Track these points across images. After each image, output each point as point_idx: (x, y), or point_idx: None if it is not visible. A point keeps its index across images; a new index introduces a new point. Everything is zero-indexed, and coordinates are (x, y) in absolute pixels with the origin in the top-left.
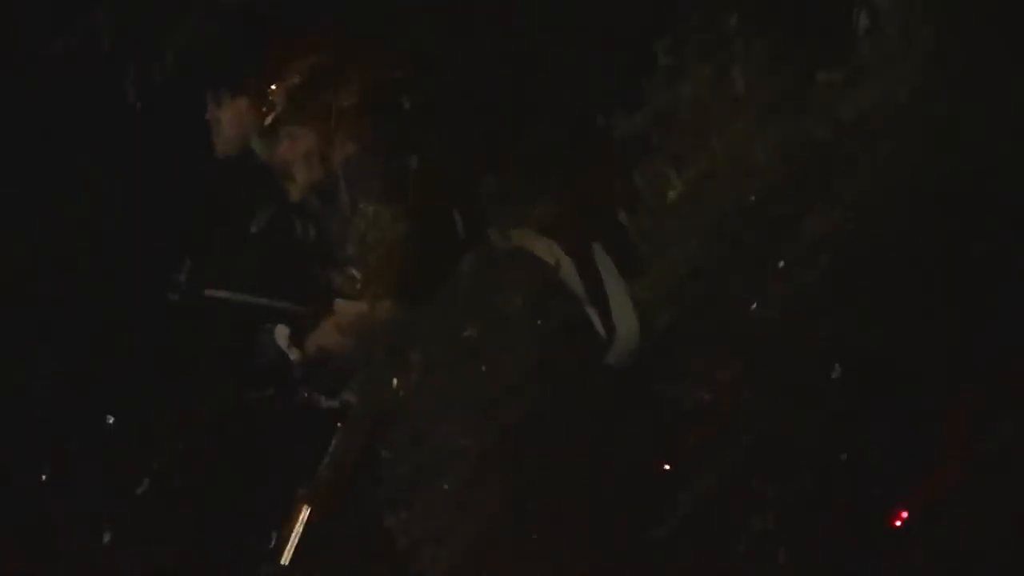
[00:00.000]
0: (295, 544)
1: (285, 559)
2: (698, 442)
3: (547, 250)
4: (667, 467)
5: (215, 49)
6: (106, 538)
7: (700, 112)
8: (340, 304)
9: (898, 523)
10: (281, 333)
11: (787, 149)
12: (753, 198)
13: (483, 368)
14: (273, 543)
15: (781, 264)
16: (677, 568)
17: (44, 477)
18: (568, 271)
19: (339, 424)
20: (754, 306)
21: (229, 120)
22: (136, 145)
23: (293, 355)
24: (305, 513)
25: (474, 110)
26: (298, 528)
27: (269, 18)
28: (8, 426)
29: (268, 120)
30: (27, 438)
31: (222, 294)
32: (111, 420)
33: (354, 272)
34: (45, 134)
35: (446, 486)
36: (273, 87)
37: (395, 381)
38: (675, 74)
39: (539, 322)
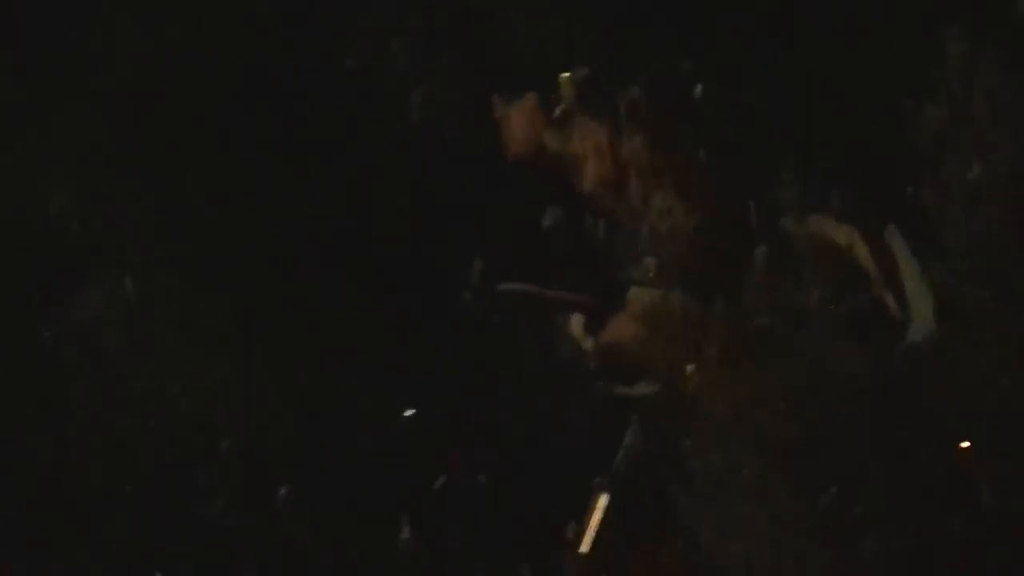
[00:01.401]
0: (594, 533)
1: (585, 547)
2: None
3: (843, 235)
4: (964, 445)
5: (498, 47)
6: (404, 531)
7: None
8: (634, 293)
9: None
10: (576, 324)
11: None
12: None
13: (776, 358)
14: (573, 533)
15: None
16: (977, 559)
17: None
18: (863, 255)
19: (635, 415)
20: None
21: (519, 117)
22: (422, 148)
23: (588, 345)
24: (604, 502)
25: (766, 96)
26: (597, 517)
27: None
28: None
29: (557, 113)
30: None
31: (516, 288)
32: (410, 413)
33: (647, 262)
34: (331, 147)
35: (744, 481)
36: (561, 80)
37: (689, 370)
38: (969, 64)
39: (833, 308)
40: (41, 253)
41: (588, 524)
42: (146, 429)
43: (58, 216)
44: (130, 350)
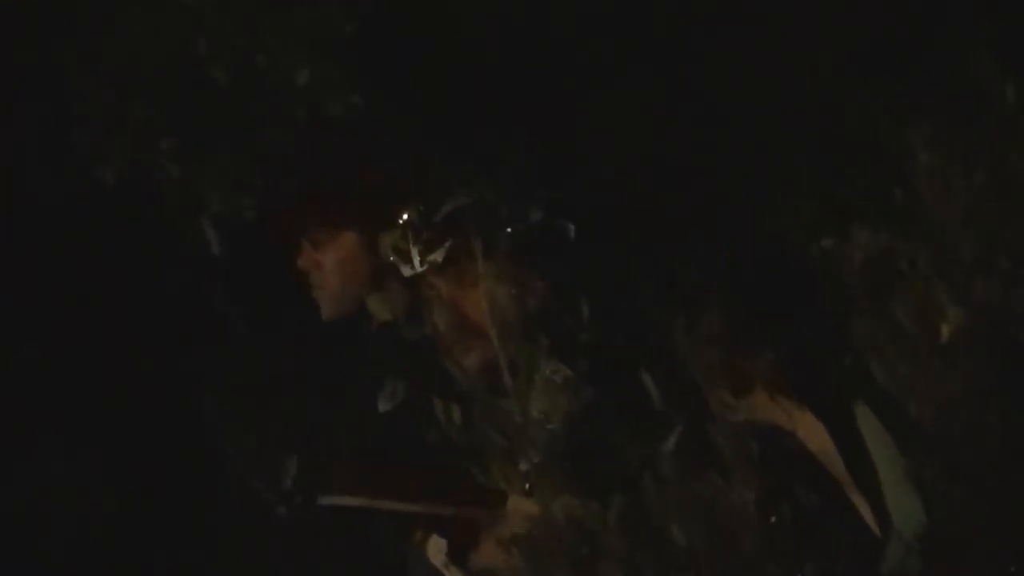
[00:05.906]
0: None
1: None
2: None
3: (787, 417)
4: None
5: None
6: None
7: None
8: (515, 504)
9: None
10: (435, 548)
11: None
12: None
13: None
14: None
15: None
16: None
17: None
18: (821, 444)
19: None
20: None
21: (336, 266)
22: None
23: None
24: None
25: (661, 231)
26: None
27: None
28: None
29: (394, 259)
30: None
31: (344, 501)
32: None
33: (521, 461)
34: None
35: None
36: (390, 218)
37: None
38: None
39: (773, 520)
40: None
41: None
42: None
43: None
44: None
